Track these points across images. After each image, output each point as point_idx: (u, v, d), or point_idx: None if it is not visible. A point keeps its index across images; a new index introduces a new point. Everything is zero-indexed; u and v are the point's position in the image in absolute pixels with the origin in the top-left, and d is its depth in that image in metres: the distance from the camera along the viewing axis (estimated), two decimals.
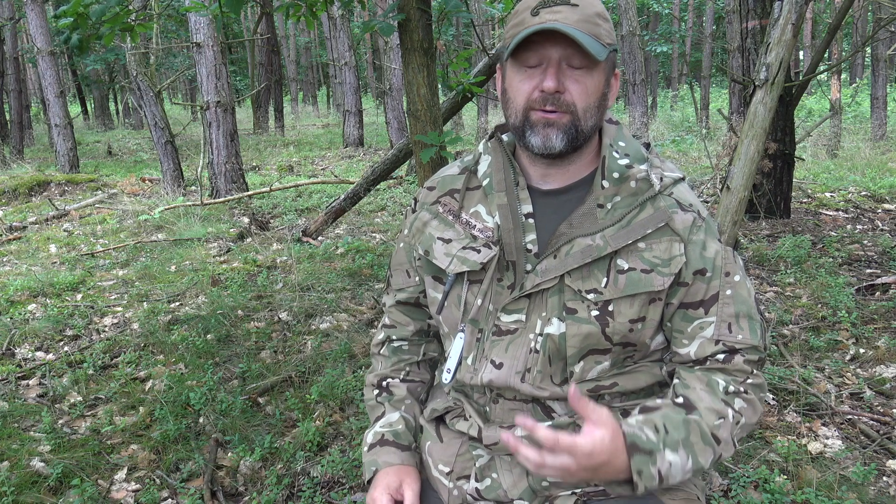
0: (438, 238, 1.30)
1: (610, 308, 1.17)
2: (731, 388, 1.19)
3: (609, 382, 1.23)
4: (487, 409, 1.29)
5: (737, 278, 1.21)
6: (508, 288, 1.23)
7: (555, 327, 1.19)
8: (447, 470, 1.32)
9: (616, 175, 1.19)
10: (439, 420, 1.39)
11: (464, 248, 1.26)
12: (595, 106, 1.17)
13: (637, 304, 1.18)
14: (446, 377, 1.29)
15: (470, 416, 1.31)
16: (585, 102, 1.16)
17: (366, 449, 1.37)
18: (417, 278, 1.39)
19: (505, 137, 1.32)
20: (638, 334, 1.20)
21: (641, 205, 1.19)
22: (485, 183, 1.28)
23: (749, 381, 1.20)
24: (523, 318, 1.22)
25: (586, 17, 1.13)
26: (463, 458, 1.32)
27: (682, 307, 1.20)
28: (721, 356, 1.20)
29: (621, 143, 1.22)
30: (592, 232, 1.18)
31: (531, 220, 1.24)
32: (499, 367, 1.23)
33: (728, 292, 1.20)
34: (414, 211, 1.40)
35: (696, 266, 1.18)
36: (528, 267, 1.22)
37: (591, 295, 1.17)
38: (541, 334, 1.20)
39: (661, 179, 1.21)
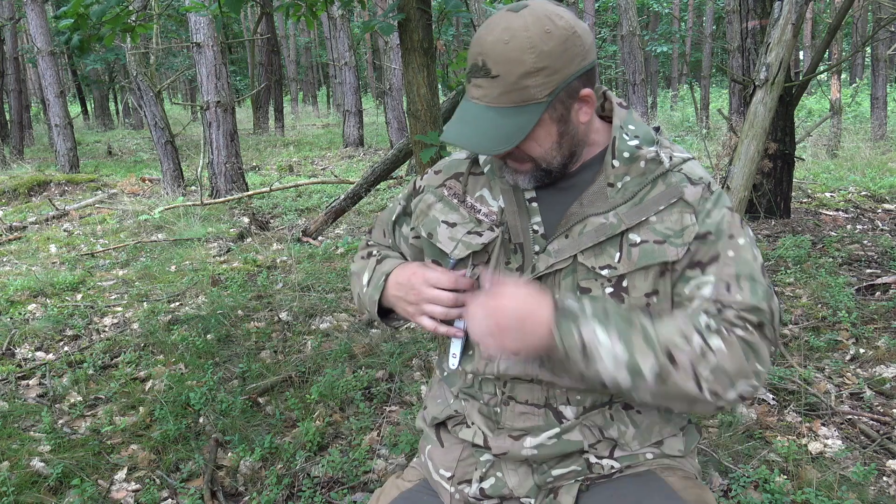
0: (443, 221, 1.29)
1: (624, 283, 1.17)
2: (713, 326, 1.11)
3: None
4: (498, 409, 1.26)
5: (741, 241, 1.17)
6: (517, 270, 1.22)
7: None
8: (448, 475, 1.31)
9: (626, 155, 1.20)
10: (440, 425, 1.37)
11: (468, 232, 1.26)
12: (554, 148, 1.17)
13: (651, 276, 1.16)
14: (453, 362, 1.28)
15: (473, 424, 1.29)
16: (539, 152, 1.17)
17: (366, 285, 1.35)
18: (391, 241, 1.45)
19: None
20: (655, 308, 1.17)
21: (653, 182, 1.19)
22: (486, 169, 1.29)
23: (738, 332, 1.11)
24: None
25: (508, 87, 1.10)
26: (465, 463, 1.30)
27: (684, 269, 1.17)
28: (714, 309, 1.14)
29: (631, 126, 1.23)
30: (605, 210, 1.18)
31: (535, 204, 1.24)
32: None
33: (730, 254, 1.16)
34: (416, 188, 1.40)
35: (701, 232, 1.16)
36: (537, 248, 1.22)
37: (605, 271, 1.17)
38: None
39: (671, 158, 1.22)
